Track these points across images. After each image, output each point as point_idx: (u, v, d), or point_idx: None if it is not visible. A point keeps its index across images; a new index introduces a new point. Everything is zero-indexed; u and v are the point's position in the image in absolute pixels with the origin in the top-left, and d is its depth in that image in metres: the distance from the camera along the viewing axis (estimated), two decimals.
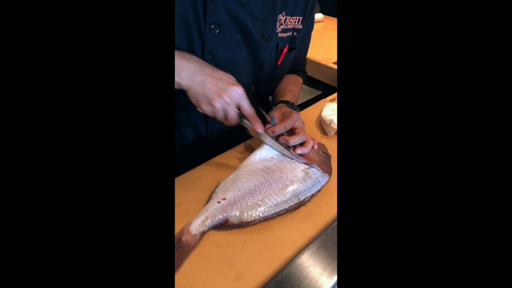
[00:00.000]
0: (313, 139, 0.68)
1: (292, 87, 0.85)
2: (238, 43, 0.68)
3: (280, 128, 0.64)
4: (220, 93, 0.54)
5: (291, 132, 0.66)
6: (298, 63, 0.92)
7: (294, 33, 0.78)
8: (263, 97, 0.87)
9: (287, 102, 0.76)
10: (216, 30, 0.63)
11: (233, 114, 0.57)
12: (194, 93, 0.55)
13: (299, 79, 0.93)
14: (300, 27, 0.78)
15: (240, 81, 0.73)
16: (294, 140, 0.63)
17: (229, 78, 0.57)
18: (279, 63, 0.77)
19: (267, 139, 0.65)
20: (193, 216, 0.57)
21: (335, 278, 0.47)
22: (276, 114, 0.68)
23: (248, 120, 0.60)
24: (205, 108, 0.56)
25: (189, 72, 0.55)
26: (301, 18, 0.77)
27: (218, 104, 0.55)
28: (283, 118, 0.68)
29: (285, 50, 0.76)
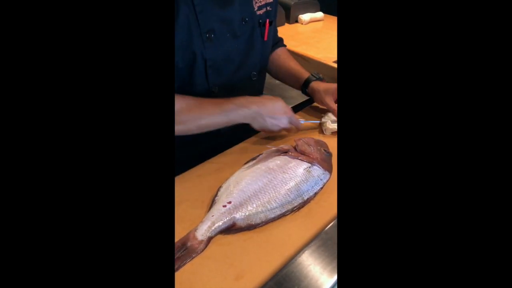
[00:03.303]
0: (314, 139, 0.68)
1: (294, 61, 0.92)
2: (230, 41, 0.74)
3: None
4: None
5: None
6: (275, 36, 0.97)
7: (268, 8, 0.81)
8: (261, 82, 0.92)
9: (315, 76, 0.84)
10: (211, 35, 0.69)
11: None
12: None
13: (285, 50, 0.99)
14: (271, 0, 0.81)
15: (241, 70, 0.81)
16: None
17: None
18: (266, 38, 0.82)
19: None
20: (193, 215, 0.57)
21: (335, 277, 0.47)
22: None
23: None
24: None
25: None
26: None
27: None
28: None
29: (267, 24, 0.81)
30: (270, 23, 0.83)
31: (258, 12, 0.80)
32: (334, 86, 0.78)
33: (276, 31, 0.97)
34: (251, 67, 0.82)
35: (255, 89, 0.88)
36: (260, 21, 0.80)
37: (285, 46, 0.99)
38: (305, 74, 0.86)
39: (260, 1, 0.80)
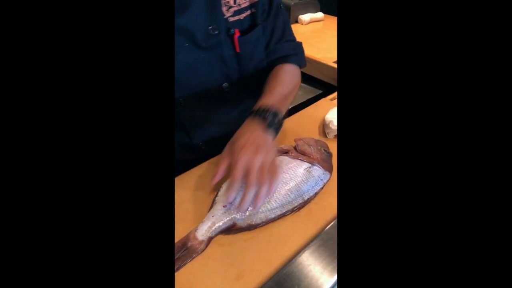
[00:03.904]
0: (314, 139, 0.68)
1: (273, 84, 0.69)
2: (190, 50, 0.65)
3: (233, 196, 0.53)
4: None
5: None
6: (281, 42, 0.76)
7: (253, 10, 0.69)
8: (247, 93, 0.78)
9: (260, 112, 0.59)
10: None
11: None
12: None
13: (288, 68, 0.74)
14: (256, 0, 0.69)
15: (209, 82, 0.70)
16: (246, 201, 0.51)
17: None
18: (238, 50, 0.70)
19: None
20: (193, 215, 0.57)
21: (335, 277, 0.47)
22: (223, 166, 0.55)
23: None
24: None
25: None
26: None
27: None
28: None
29: (236, 35, 0.68)
30: (252, 27, 0.69)
31: (232, 19, 0.67)
32: (242, 138, 0.54)
33: (284, 39, 0.77)
34: (221, 79, 0.72)
35: (231, 100, 0.77)
36: (231, 29, 0.67)
37: (295, 62, 0.76)
38: (258, 104, 0.62)
39: (238, 4, 0.67)
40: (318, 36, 1.49)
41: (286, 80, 0.70)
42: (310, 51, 1.32)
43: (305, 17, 1.63)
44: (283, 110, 0.63)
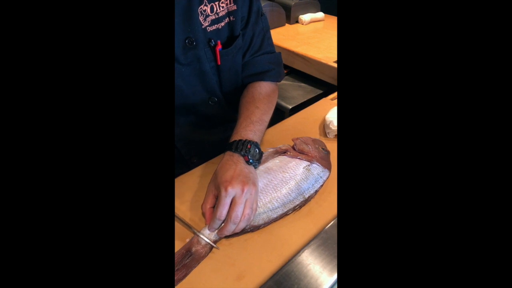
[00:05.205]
0: (312, 138, 0.68)
1: (251, 108, 0.67)
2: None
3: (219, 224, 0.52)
4: None
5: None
6: (258, 54, 0.74)
7: (231, 18, 0.66)
8: (231, 105, 0.77)
9: (240, 146, 0.58)
10: None
11: None
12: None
13: (264, 88, 0.73)
14: (235, 7, 0.65)
15: (194, 97, 0.68)
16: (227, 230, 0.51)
17: None
18: (219, 63, 0.67)
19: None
20: (193, 216, 0.57)
21: (335, 276, 0.47)
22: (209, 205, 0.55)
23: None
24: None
25: None
26: None
27: None
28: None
29: (218, 47, 0.65)
30: (232, 39, 0.66)
31: (210, 28, 0.63)
32: (229, 171, 0.53)
33: (264, 49, 0.75)
34: (205, 93, 0.70)
35: (218, 113, 0.75)
36: (212, 40, 0.64)
37: (270, 78, 0.75)
38: (238, 134, 0.60)
39: (216, 13, 0.63)
40: (318, 36, 1.50)
41: (263, 104, 0.69)
42: (310, 51, 1.33)
43: (306, 17, 1.63)
44: (261, 136, 0.64)
